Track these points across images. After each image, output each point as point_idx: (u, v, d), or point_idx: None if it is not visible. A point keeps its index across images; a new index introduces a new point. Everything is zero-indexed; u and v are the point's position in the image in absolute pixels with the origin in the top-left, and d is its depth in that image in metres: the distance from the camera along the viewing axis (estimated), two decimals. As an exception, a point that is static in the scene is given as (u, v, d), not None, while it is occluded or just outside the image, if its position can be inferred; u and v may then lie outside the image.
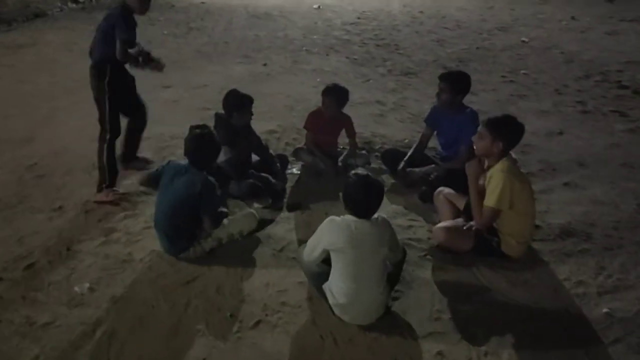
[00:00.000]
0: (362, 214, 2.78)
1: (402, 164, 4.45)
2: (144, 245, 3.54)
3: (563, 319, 2.96)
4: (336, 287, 2.79)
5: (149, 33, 10.04)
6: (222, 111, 4.26)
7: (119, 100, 4.08)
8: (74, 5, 12.42)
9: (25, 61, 8.10)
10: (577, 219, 3.95)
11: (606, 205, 4.18)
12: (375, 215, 2.84)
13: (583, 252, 3.56)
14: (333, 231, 2.79)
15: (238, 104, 4.16)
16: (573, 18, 11.93)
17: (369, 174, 2.85)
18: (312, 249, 2.91)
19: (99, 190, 4.11)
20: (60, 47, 8.91)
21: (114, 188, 4.15)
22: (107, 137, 4.07)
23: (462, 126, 4.20)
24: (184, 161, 3.36)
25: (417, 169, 4.41)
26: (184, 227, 3.28)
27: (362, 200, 2.77)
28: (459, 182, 3.96)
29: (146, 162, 4.74)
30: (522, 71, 8.11)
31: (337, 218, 2.83)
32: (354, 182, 2.79)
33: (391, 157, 4.69)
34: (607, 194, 4.36)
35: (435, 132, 4.59)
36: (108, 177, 4.09)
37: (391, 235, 2.88)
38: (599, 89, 7.27)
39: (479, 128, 3.41)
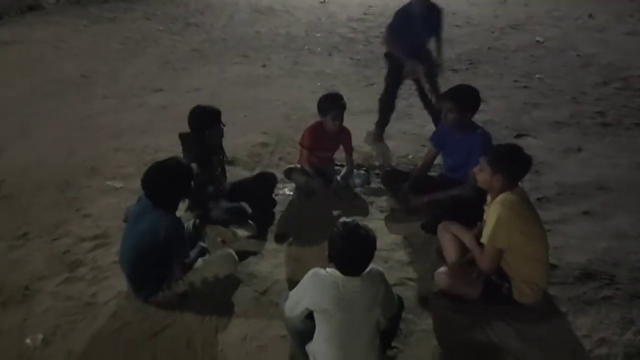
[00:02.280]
0: (349, 272, 2.37)
1: (404, 188, 4.03)
2: (110, 285, 3.16)
3: (584, 389, 2.56)
4: (321, 353, 2.38)
5: (143, 29, 9.69)
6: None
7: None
8: (71, -3, 12.04)
9: (9, 60, 7.72)
10: (599, 257, 3.51)
11: (632, 239, 3.72)
12: (368, 269, 2.43)
13: (606, 300, 3.13)
14: (316, 288, 2.38)
15: (208, 120, 3.64)
16: (590, 16, 11.37)
17: (359, 224, 2.42)
18: (294, 305, 2.51)
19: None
20: (48, 44, 8.52)
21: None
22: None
23: (471, 149, 3.76)
24: None
25: (421, 195, 3.98)
26: (149, 273, 2.88)
27: (350, 258, 2.36)
28: (467, 210, 3.58)
29: None
30: (537, 75, 7.63)
31: (321, 272, 2.42)
32: (340, 236, 2.37)
33: (392, 178, 4.26)
34: (633, 226, 3.89)
35: (441, 152, 4.16)
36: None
37: (386, 291, 2.46)
38: (619, 98, 6.77)
39: (480, 159, 3.01)
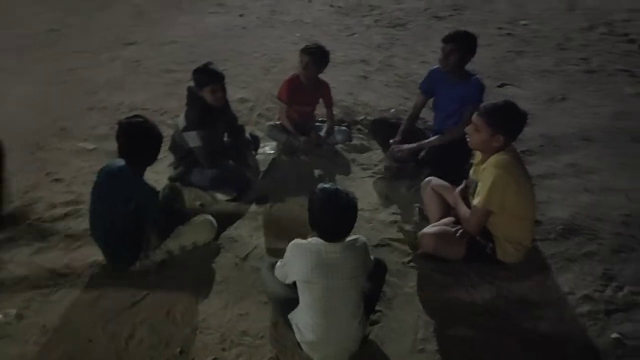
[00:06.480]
0: (331, 238, 2.30)
1: (397, 138, 3.89)
2: (85, 254, 3.05)
3: (566, 347, 2.56)
4: (304, 322, 2.34)
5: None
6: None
7: None
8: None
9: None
10: (582, 212, 3.49)
11: (615, 193, 3.70)
12: (354, 237, 2.36)
13: (589, 257, 3.12)
14: (300, 259, 2.30)
15: (204, 78, 3.45)
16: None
17: (339, 189, 2.33)
18: (283, 277, 2.45)
19: None
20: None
21: None
22: None
23: (465, 96, 3.62)
24: (118, 161, 2.79)
25: (407, 146, 3.82)
26: (125, 244, 2.78)
27: (331, 224, 2.28)
28: (452, 158, 3.63)
29: None
30: (522, 21, 7.44)
31: (302, 242, 2.35)
32: (319, 200, 2.29)
33: (380, 128, 4.14)
34: (616, 178, 3.87)
35: (432, 103, 4.00)
36: None
37: (369, 262, 2.42)
38: (604, 43, 6.65)
39: (474, 117, 2.86)
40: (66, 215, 3.40)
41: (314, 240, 2.33)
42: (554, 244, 3.23)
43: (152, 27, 7.03)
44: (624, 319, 2.70)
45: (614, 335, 2.60)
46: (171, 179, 3.58)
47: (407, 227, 3.35)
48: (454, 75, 3.70)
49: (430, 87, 3.92)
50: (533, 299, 2.82)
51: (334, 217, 2.26)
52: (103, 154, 4.07)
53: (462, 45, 3.60)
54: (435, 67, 3.88)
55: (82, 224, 3.29)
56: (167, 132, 3.45)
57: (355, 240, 2.36)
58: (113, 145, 2.87)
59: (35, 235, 3.22)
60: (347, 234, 2.32)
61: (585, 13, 7.81)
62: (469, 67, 3.75)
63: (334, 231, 2.30)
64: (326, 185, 2.34)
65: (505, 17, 7.62)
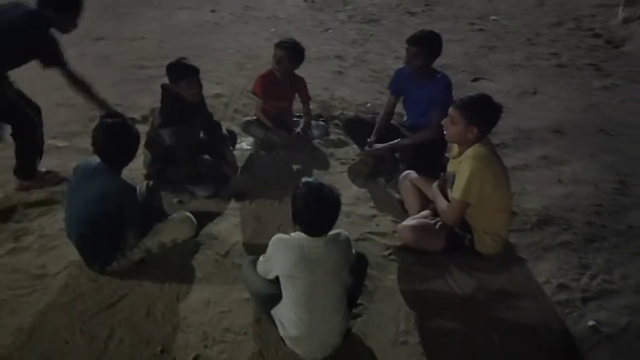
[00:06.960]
0: (314, 232, 2.29)
1: (372, 139, 3.90)
2: (60, 254, 2.97)
3: (546, 337, 2.61)
4: (287, 317, 2.33)
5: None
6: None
7: None
8: None
9: None
10: (556, 203, 3.57)
11: (586, 184, 3.80)
12: (336, 231, 2.36)
13: (563, 246, 3.20)
14: (283, 253, 2.28)
15: (178, 72, 3.41)
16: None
17: (322, 183, 2.33)
18: (266, 272, 2.43)
19: None
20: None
21: None
22: None
23: (433, 94, 3.65)
24: (94, 159, 2.74)
25: (381, 145, 3.87)
26: (103, 243, 2.72)
27: (314, 218, 2.27)
28: (427, 155, 3.61)
29: None
30: (492, 17, 7.56)
31: (284, 236, 2.34)
32: (303, 195, 2.28)
33: (355, 127, 4.13)
34: (587, 169, 3.98)
35: (402, 99, 4.03)
36: None
37: (352, 256, 2.42)
38: (572, 38, 6.82)
39: (450, 110, 2.90)
40: (40, 214, 3.31)
41: (296, 235, 2.32)
42: (529, 234, 3.30)
43: (121, 21, 6.90)
44: (598, 306, 2.77)
45: (591, 322, 2.66)
46: (148, 176, 3.51)
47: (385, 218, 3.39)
48: (421, 75, 3.72)
49: (398, 87, 3.93)
50: (512, 289, 2.87)
51: (317, 211, 2.26)
52: (74, 152, 3.98)
53: (426, 47, 3.61)
54: (401, 66, 3.89)
55: (57, 223, 3.21)
56: (142, 130, 3.38)
57: (338, 234, 2.36)
58: (85, 142, 2.82)
59: (9, 235, 3.12)
60: (330, 228, 2.32)
61: (554, 9, 7.99)
62: (442, 61, 3.78)
63: (317, 225, 2.29)
64: (310, 180, 2.34)
65: (476, 13, 7.73)
